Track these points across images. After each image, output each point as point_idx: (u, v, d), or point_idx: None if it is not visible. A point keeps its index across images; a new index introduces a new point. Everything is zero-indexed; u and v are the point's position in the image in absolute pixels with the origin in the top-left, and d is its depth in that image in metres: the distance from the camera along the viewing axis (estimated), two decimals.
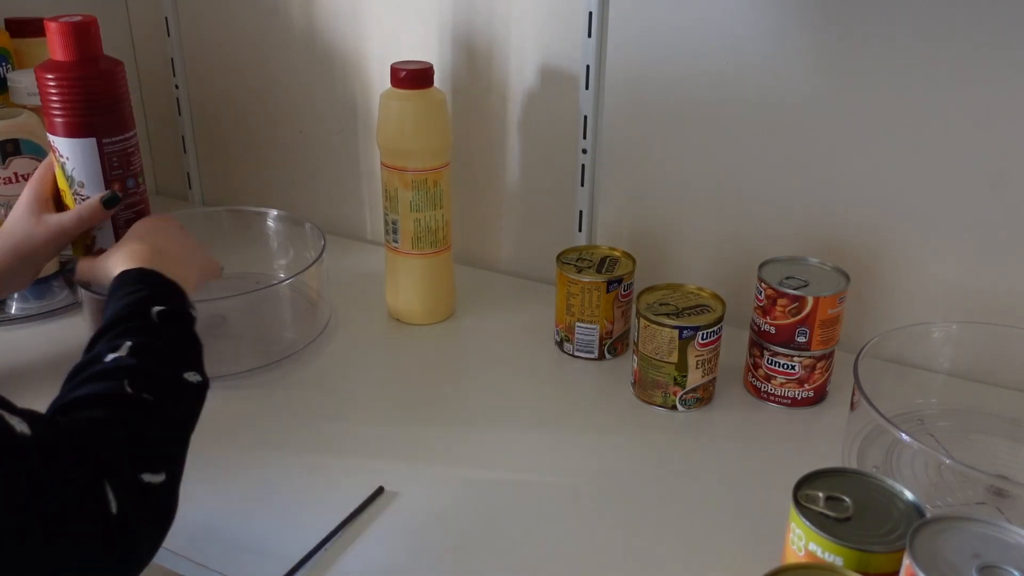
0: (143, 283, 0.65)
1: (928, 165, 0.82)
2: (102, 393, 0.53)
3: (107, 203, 0.78)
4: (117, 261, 0.70)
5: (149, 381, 0.55)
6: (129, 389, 0.54)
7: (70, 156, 0.78)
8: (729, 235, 0.93)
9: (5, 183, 0.89)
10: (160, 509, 0.51)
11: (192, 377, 0.60)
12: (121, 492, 0.47)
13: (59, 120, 0.77)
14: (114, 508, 0.47)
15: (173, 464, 0.54)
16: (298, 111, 1.15)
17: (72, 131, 0.77)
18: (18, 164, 0.89)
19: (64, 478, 0.45)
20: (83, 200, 0.79)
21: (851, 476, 0.57)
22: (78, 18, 0.76)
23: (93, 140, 0.77)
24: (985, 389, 0.82)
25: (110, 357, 0.56)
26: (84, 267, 0.77)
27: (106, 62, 0.78)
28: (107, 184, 0.78)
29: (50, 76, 0.76)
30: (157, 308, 0.62)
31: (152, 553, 0.51)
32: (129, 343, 0.57)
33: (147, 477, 0.50)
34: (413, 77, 0.87)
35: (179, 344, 0.62)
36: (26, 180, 0.90)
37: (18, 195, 0.90)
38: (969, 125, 0.79)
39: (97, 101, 0.76)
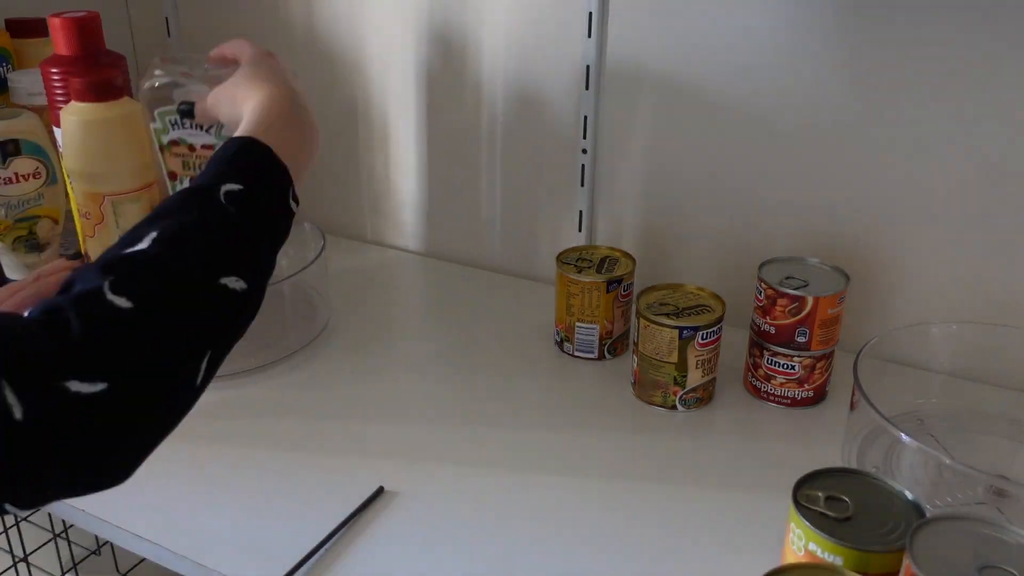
0: (243, 158, 0.56)
1: (928, 164, 0.82)
2: (76, 295, 0.46)
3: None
4: (250, 108, 0.60)
5: (139, 283, 0.47)
6: (108, 292, 0.46)
7: None
8: (729, 235, 0.93)
9: (5, 183, 0.89)
10: (91, 420, 0.44)
11: (233, 283, 0.50)
12: (29, 397, 0.42)
13: None
14: (18, 414, 0.41)
15: (125, 375, 0.45)
16: None
17: None
18: (18, 164, 0.89)
19: None
20: None
21: (851, 476, 0.57)
22: (82, 14, 0.77)
23: None
24: (985, 389, 0.82)
25: (128, 251, 0.48)
26: (212, 102, 0.66)
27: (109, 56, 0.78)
28: None
29: (55, 70, 0.76)
30: (228, 187, 0.52)
31: (101, 474, 0.45)
32: (155, 233, 0.49)
33: (75, 385, 0.43)
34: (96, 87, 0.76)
35: (234, 237, 0.52)
36: (26, 180, 0.90)
37: (18, 195, 0.90)
38: (969, 124, 0.79)
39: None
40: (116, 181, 0.78)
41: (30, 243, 0.93)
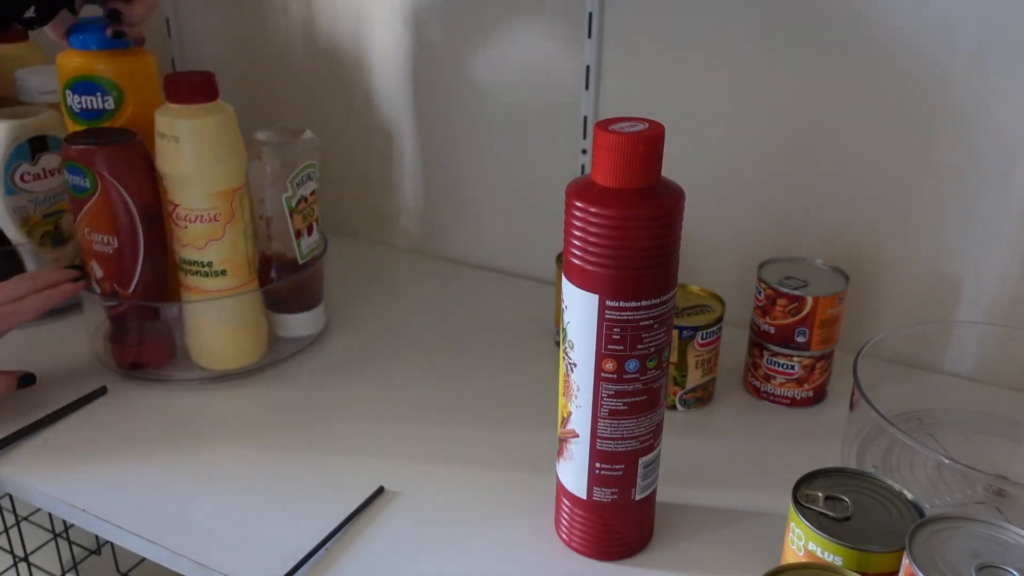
0: None
1: (929, 164, 0.82)
2: None
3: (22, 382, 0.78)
4: None
5: None
6: None
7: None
8: (729, 235, 0.93)
9: (35, 179, 0.90)
10: None
11: None
12: None
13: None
14: None
15: None
16: (298, 111, 1.15)
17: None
18: (47, 160, 0.91)
19: None
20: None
21: (851, 476, 0.57)
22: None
23: None
24: (985, 389, 0.82)
25: None
26: None
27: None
28: None
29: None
30: None
31: None
32: None
33: None
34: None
35: None
36: (52, 176, 0.91)
37: (46, 191, 0.91)
38: (969, 125, 0.79)
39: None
40: (239, 174, 0.79)
41: (56, 238, 0.94)
